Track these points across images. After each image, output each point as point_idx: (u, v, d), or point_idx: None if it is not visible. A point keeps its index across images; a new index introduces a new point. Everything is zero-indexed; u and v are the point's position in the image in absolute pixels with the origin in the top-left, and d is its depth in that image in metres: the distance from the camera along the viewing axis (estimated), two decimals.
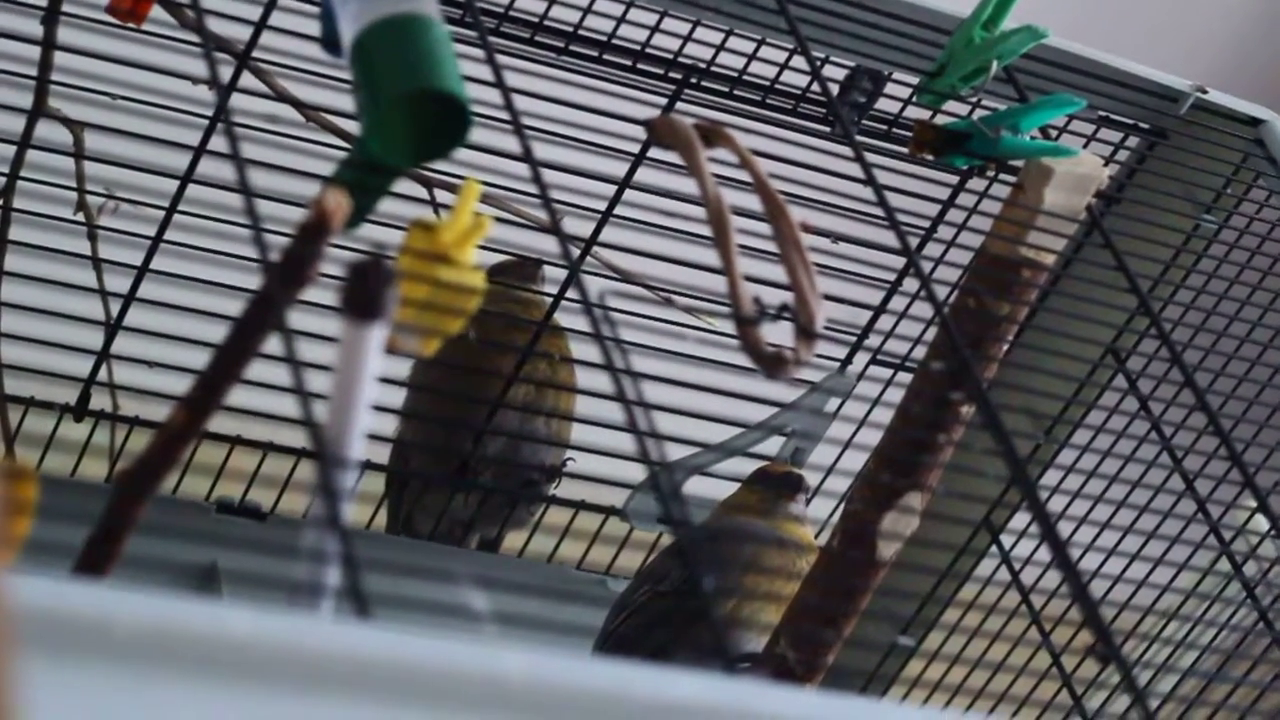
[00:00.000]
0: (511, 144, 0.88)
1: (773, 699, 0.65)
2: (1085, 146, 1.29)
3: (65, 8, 1.11)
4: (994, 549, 1.27)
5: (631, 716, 0.63)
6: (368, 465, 1.34)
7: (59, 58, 1.14)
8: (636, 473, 1.19)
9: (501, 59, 0.91)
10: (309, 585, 0.72)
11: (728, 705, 0.64)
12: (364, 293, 0.68)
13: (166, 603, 0.58)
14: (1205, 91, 1.26)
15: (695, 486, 1.27)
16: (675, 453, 1.23)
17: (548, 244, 0.87)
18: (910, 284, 1.25)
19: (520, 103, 0.90)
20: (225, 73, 1.15)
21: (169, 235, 1.19)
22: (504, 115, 0.88)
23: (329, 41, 0.87)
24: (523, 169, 0.87)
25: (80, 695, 0.57)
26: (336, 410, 0.70)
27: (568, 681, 0.62)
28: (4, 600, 0.52)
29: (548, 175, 0.87)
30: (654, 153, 1.19)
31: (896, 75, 1.23)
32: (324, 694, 0.59)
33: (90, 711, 0.57)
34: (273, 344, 0.73)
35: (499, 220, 1.17)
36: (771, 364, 0.86)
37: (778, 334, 0.87)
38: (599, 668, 0.64)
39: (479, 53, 0.91)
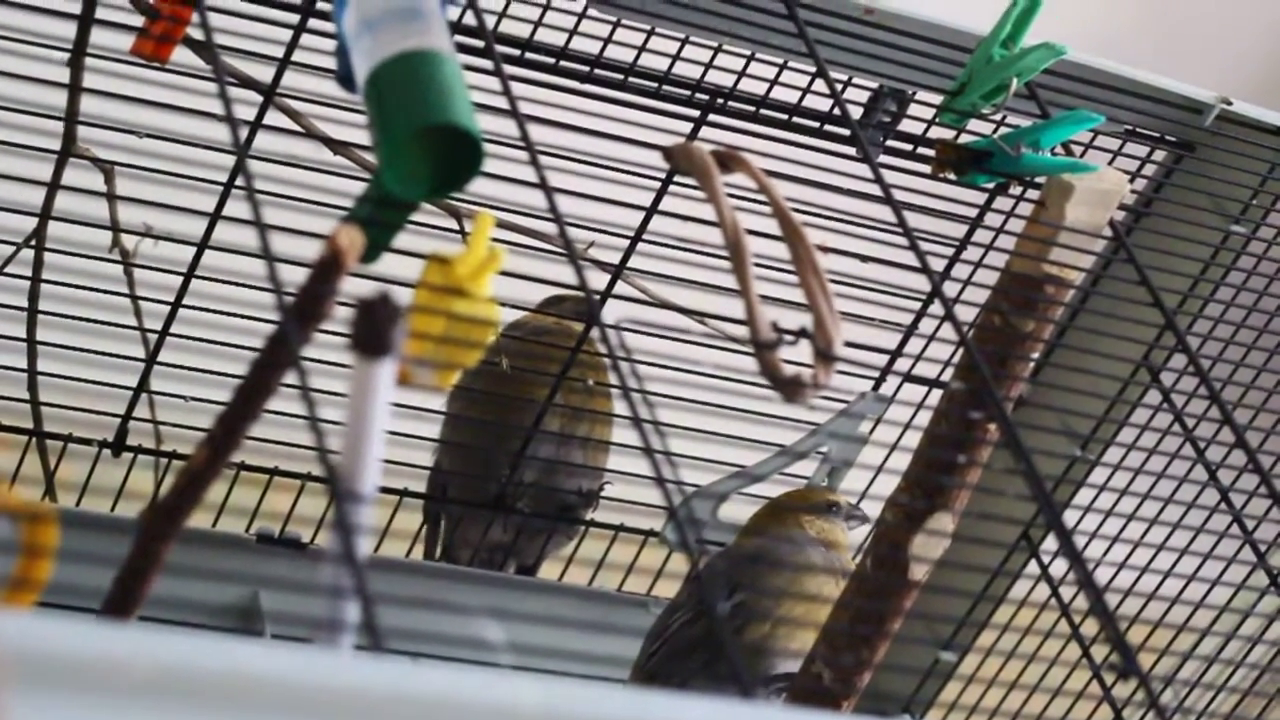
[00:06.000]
0: (532, 175, 0.88)
1: None
2: (1112, 161, 1.29)
3: (90, 50, 1.12)
4: (1033, 567, 1.27)
5: None
6: (405, 494, 1.35)
7: (86, 103, 1.15)
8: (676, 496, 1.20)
9: (523, 90, 0.92)
10: (330, 620, 0.72)
11: None
12: (372, 329, 0.68)
13: (181, 641, 0.59)
14: (1230, 103, 1.26)
15: (733, 511, 1.27)
16: (705, 479, 1.23)
17: (572, 275, 0.87)
18: (940, 305, 1.25)
19: (545, 134, 0.90)
20: (253, 111, 1.17)
21: (201, 272, 1.20)
22: (522, 145, 0.88)
23: (344, 78, 0.88)
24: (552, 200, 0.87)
25: None
26: (350, 446, 0.70)
27: (581, 711, 0.62)
28: None
29: (576, 206, 0.87)
30: (676, 181, 1.20)
31: (922, 96, 1.23)
32: None
33: None
34: (293, 379, 0.74)
35: (524, 249, 1.18)
36: (790, 387, 0.86)
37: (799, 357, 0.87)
38: (612, 696, 0.63)
39: (498, 84, 0.92)
